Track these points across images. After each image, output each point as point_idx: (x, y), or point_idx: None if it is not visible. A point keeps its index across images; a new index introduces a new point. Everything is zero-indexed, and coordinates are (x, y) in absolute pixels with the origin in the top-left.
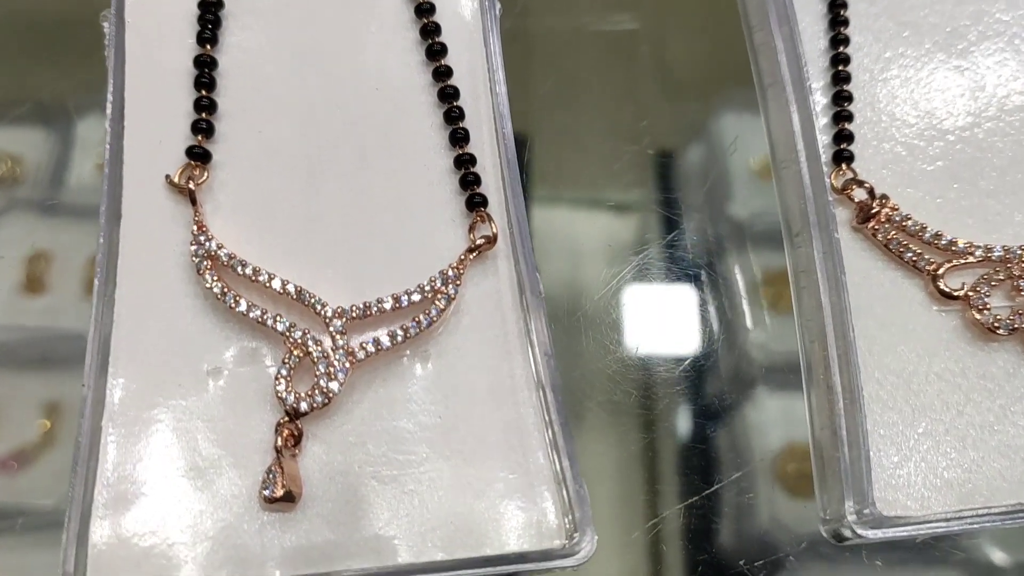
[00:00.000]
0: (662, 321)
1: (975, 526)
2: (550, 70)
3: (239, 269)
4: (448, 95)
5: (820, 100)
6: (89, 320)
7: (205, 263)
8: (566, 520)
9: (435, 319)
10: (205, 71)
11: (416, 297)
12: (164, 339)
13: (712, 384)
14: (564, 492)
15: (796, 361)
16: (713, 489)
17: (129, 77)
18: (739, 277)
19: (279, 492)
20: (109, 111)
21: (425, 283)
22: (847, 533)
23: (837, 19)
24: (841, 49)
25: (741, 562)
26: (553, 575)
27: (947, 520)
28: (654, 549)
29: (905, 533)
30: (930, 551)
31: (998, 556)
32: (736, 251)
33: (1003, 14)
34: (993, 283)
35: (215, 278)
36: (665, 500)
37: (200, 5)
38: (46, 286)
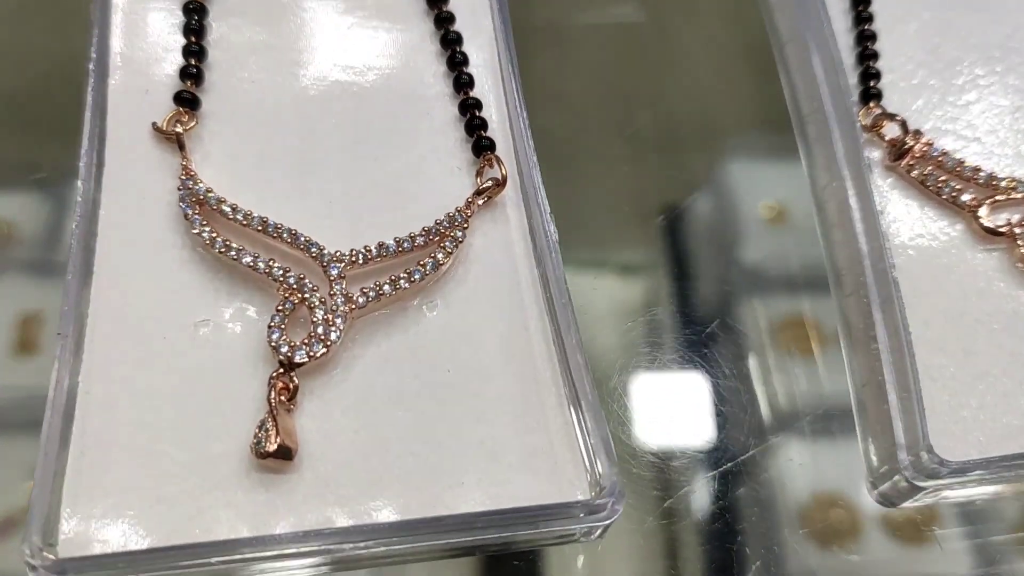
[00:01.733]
0: (677, 384)
1: None
2: (553, 129)
3: (230, 214)
4: (451, 41)
5: (843, 43)
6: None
7: (193, 208)
8: (589, 477)
9: (441, 263)
10: (194, 18)
11: (421, 241)
12: (149, 292)
13: (735, 441)
14: (587, 448)
15: (818, 404)
16: (749, 454)
17: (114, 27)
18: (755, 325)
19: (272, 446)
20: (92, 60)
21: (431, 226)
22: (903, 485)
23: None
24: None
25: (785, 531)
26: (577, 548)
27: (1012, 467)
28: (683, 521)
29: (967, 481)
30: None
31: None
32: (748, 301)
33: None
34: None
35: (203, 223)
36: (695, 469)
37: None
38: (39, 347)
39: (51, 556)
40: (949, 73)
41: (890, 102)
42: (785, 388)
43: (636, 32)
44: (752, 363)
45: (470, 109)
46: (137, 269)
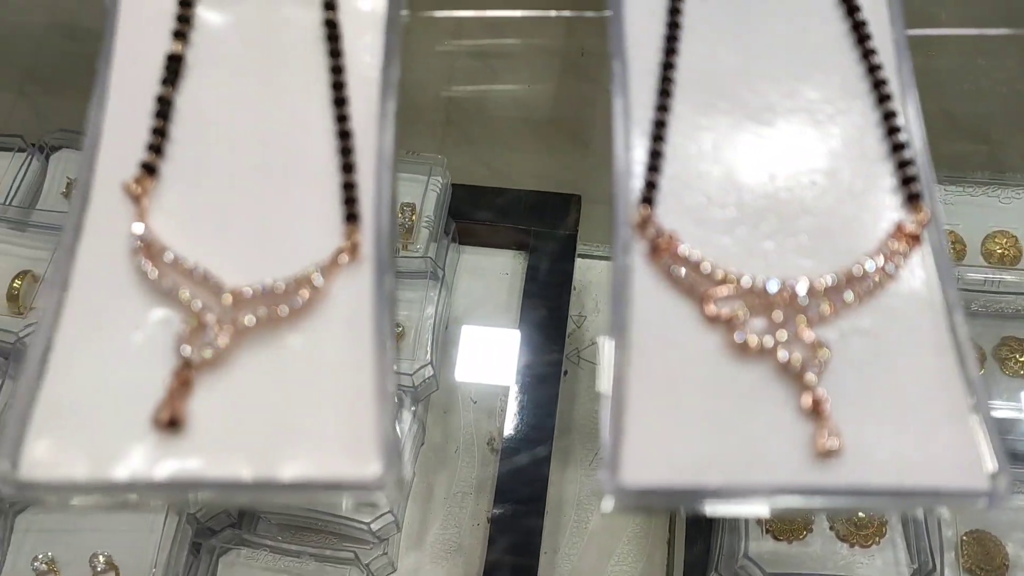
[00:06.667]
0: None
1: (714, 501)
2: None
3: (169, 260)
4: (345, 135)
5: (639, 148)
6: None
7: (146, 254)
8: (392, 474)
9: (304, 301)
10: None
11: (281, 285)
12: (110, 300)
13: None
14: (391, 447)
15: None
16: None
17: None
18: None
19: (165, 416)
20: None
21: (301, 273)
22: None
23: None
24: (662, 115)
25: None
26: None
27: (684, 497)
28: None
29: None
30: None
31: None
32: None
33: (812, 92)
34: (752, 310)
35: (147, 262)
36: None
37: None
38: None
39: None
40: (718, 186)
41: (664, 204)
42: None
43: None
44: None
45: (348, 189)
46: (105, 287)
